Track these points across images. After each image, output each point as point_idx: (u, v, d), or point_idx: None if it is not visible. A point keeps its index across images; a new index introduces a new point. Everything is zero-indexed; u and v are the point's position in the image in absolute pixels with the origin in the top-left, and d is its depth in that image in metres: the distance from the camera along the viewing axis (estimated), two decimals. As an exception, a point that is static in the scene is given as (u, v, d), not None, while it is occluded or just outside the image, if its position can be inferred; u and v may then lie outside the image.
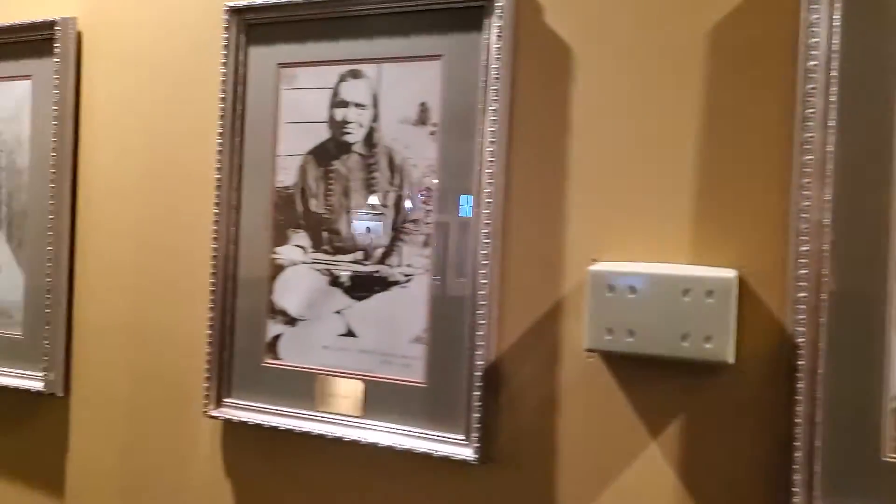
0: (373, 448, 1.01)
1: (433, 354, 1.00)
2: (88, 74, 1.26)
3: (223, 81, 1.10)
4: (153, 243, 1.20)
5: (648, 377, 0.89)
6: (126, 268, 1.23)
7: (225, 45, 1.10)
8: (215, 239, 1.11)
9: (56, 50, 1.24)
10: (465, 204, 0.98)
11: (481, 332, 0.95)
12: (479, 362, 0.95)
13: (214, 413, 1.11)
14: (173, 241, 1.19)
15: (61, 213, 1.24)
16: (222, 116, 1.10)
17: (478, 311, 0.95)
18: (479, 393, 0.94)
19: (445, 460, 0.97)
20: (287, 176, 1.09)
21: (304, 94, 1.08)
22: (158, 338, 1.20)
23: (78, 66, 1.25)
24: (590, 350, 0.88)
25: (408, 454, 0.99)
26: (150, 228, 1.21)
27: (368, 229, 1.04)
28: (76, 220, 1.26)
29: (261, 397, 1.10)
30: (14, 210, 1.31)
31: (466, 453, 0.95)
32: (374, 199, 1.04)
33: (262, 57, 1.11)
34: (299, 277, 1.08)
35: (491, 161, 0.95)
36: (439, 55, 1.00)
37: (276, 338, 1.10)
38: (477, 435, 0.94)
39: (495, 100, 0.94)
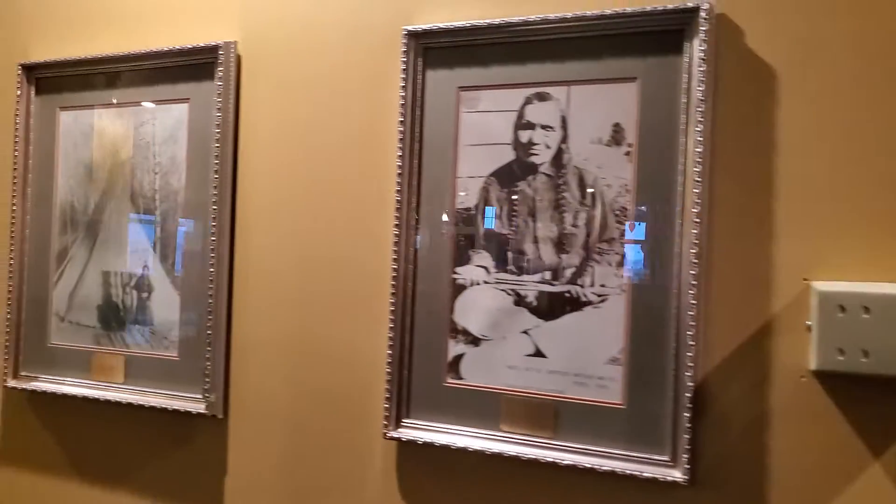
0: (569, 469, 1.01)
1: (632, 375, 1.00)
2: (247, 97, 1.27)
3: (402, 105, 1.12)
4: (320, 262, 1.21)
5: (875, 397, 0.89)
6: (288, 287, 1.23)
7: (403, 70, 1.12)
8: (395, 259, 1.11)
9: (218, 73, 1.25)
10: (665, 223, 0.99)
11: (690, 353, 0.95)
12: (688, 383, 0.95)
13: (394, 434, 1.11)
14: (344, 260, 1.19)
15: (222, 232, 1.25)
16: (401, 139, 1.12)
17: (686, 332, 0.95)
18: (688, 414, 0.94)
19: (651, 482, 0.96)
20: (468, 197, 1.10)
21: (486, 116, 1.09)
22: (325, 356, 1.20)
23: (237, 88, 1.27)
24: (818, 371, 0.88)
25: (610, 476, 0.99)
26: (318, 247, 1.22)
27: (557, 249, 1.05)
28: (234, 239, 1.27)
29: (442, 417, 1.10)
30: (168, 231, 1.32)
31: (675, 474, 0.95)
32: (563, 220, 1.05)
33: (442, 80, 1.12)
34: (482, 297, 1.09)
35: (697, 181, 0.95)
36: (633, 77, 1.01)
37: (458, 357, 1.10)
38: (686, 456, 0.94)
39: (700, 121, 0.95)
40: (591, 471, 0.99)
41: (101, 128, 1.39)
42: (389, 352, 1.12)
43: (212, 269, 1.25)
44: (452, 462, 1.10)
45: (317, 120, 1.22)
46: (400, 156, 1.12)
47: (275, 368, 1.24)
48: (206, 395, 1.25)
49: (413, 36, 1.12)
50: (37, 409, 1.44)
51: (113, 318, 1.36)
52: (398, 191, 1.12)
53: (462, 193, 1.11)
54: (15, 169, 1.43)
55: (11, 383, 1.43)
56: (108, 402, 1.34)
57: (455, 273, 1.11)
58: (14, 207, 1.43)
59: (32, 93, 1.44)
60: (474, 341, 1.09)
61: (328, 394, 1.20)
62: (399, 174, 1.12)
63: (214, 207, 1.25)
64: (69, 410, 1.41)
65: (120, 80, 1.37)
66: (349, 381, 1.18)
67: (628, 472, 0.97)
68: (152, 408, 1.29)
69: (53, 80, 1.43)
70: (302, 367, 1.22)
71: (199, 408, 1.26)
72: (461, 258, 1.11)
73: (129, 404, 1.31)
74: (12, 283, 1.42)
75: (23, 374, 1.43)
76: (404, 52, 1.12)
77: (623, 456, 0.99)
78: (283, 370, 1.24)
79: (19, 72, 1.43)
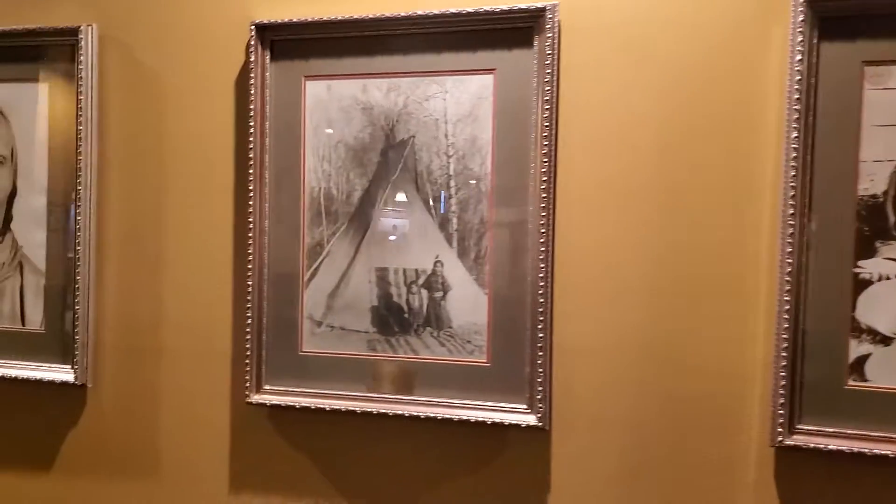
0: None
1: None
2: (568, 67, 1.12)
3: (794, 80, 1.00)
4: (670, 255, 1.09)
5: None
6: (628, 283, 1.11)
7: (801, 42, 1.00)
8: (789, 252, 1.01)
9: (546, 39, 1.09)
10: None
11: None
12: None
13: (789, 442, 1.02)
14: (705, 252, 1.08)
15: (546, 223, 1.10)
16: (794, 118, 1.00)
17: None
18: None
19: None
20: (875, 183, 1.01)
21: (896, 94, 1.00)
22: (678, 359, 1.09)
23: (558, 59, 1.11)
24: None
25: None
26: (668, 240, 1.09)
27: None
28: (555, 230, 1.12)
29: (842, 423, 1.02)
30: (468, 221, 1.15)
31: None
32: None
33: (841, 55, 1.01)
34: (893, 293, 1.01)
35: None
36: None
37: (863, 358, 1.02)
38: None
39: None
40: None
41: (369, 102, 1.19)
42: (783, 353, 1.02)
43: (542, 266, 1.10)
44: (853, 472, 1.03)
45: (665, 95, 1.09)
46: (795, 136, 1.00)
47: (609, 373, 1.12)
48: (539, 405, 1.11)
49: (809, 2, 1.00)
50: (286, 427, 1.26)
51: (395, 321, 1.19)
52: (792, 175, 1.01)
53: (867, 179, 1.01)
54: (251, 149, 1.22)
55: (255, 398, 1.23)
56: (390, 416, 1.17)
57: (858, 267, 1.02)
58: (251, 194, 1.21)
59: (268, 58, 1.22)
60: (884, 340, 1.01)
61: (681, 401, 1.09)
62: (793, 156, 1.01)
63: (545, 196, 1.10)
64: (334, 427, 1.23)
65: (391, 44, 1.18)
66: (713, 386, 1.07)
67: None
68: (455, 421, 1.14)
69: (296, 43, 1.22)
70: (648, 371, 1.10)
71: (523, 419, 1.12)
72: (866, 250, 1.01)
73: (421, 418, 1.16)
74: (251, 283, 1.22)
75: (267, 387, 1.24)
76: (801, 21, 1.00)
77: None
78: (621, 375, 1.12)
79: (252, 33, 1.21)
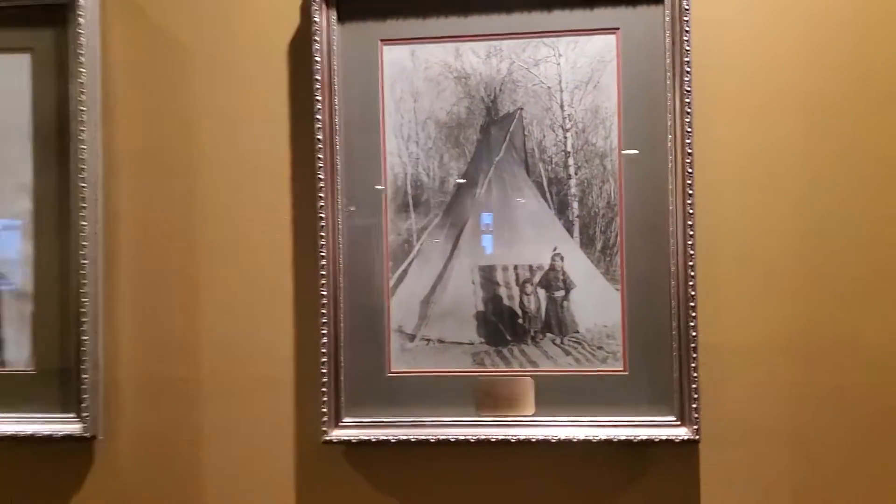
0: None
1: None
2: (699, 23, 0.98)
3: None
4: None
5: None
6: (782, 272, 0.98)
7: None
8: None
9: (681, -7, 0.95)
10: None
11: None
12: None
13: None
14: (859, 231, 0.96)
15: (692, 202, 0.96)
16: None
17: None
18: None
19: None
20: None
21: None
22: (847, 355, 0.97)
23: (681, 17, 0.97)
24: None
25: None
26: (805, 221, 0.97)
27: None
28: (695, 212, 0.98)
29: None
30: (592, 207, 0.98)
31: None
32: None
33: None
34: None
35: None
36: None
37: None
38: None
39: None
40: None
41: (464, 69, 1.00)
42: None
43: (691, 252, 0.95)
44: None
45: (814, 55, 0.97)
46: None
47: (763, 374, 0.98)
48: (693, 414, 0.95)
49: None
50: (372, 467, 1.03)
51: (507, 328, 1.00)
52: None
53: None
54: (318, 129, 0.99)
55: (335, 434, 1.00)
56: (512, 442, 0.98)
57: None
58: (321, 184, 0.99)
59: (335, 18, 1.01)
60: None
61: (852, 400, 0.97)
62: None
63: (689, 171, 0.95)
64: (433, 463, 1.02)
65: (489, 1, 1.00)
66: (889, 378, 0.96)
67: None
68: (594, 442, 0.96)
69: (368, 1, 1.01)
70: (809, 371, 0.98)
71: (675, 433, 0.96)
72: None
73: (552, 441, 0.97)
74: (325, 293, 0.99)
75: (348, 420, 1.01)
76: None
77: None
78: (776, 375, 0.98)
79: (316, -11, 0.99)
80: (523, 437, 0.97)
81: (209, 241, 1.05)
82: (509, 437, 0.98)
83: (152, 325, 1.06)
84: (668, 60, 0.96)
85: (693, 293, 0.95)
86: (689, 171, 0.95)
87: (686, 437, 0.95)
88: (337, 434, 1.00)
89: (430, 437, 0.99)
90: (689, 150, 0.95)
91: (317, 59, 0.99)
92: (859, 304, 0.97)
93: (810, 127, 0.97)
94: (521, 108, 0.99)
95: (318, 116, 0.99)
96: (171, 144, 1.05)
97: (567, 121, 0.99)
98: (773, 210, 0.98)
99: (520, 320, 1.00)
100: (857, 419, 0.97)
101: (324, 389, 1.00)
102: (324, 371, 0.99)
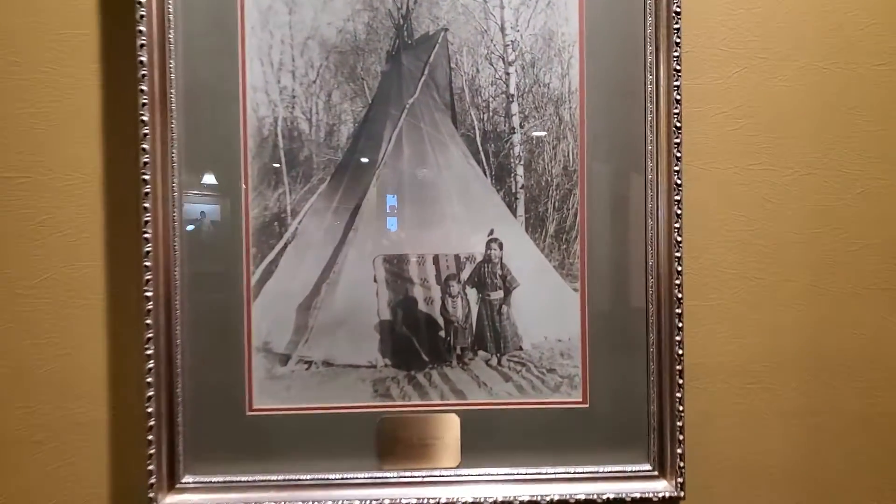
0: None
1: None
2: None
3: None
4: (818, 233, 0.73)
5: None
6: (790, 281, 0.73)
7: None
8: None
9: None
10: None
11: None
12: None
13: None
14: (868, 227, 0.73)
15: (668, 175, 0.69)
16: None
17: None
18: None
19: None
20: None
21: None
22: (854, 372, 0.74)
23: None
24: None
25: None
26: (809, 214, 0.73)
27: None
28: (682, 190, 0.71)
29: None
30: (543, 174, 0.70)
31: None
32: None
33: None
34: None
35: None
36: None
37: None
38: None
39: None
40: None
41: (362, -31, 0.69)
42: None
43: (678, 239, 0.68)
44: None
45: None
46: None
47: (754, 399, 0.74)
48: (678, 462, 0.69)
49: None
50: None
51: (423, 344, 0.70)
52: None
53: None
54: (140, 57, 0.65)
55: (167, 503, 0.67)
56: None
57: None
58: (145, 130, 0.66)
59: None
60: None
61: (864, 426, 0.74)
62: None
63: (677, 125, 0.68)
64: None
65: None
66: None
67: None
68: (539, 503, 0.69)
69: None
70: (819, 396, 0.74)
71: (651, 488, 0.70)
72: None
73: (478, 504, 0.69)
74: (150, 293, 0.66)
75: (188, 481, 0.69)
76: None
77: None
78: (783, 405, 0.74)
79: None
80: (445, 501, 0.68)
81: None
82: (424, 501, 0.68)
83: None
84: (651, -30, 0.69)
85: (679, 295, 0.68)
86: (677, 125, 0.68)
87: (667, 495, 0.69)
88: (171, 501, 0.68)
89: (327, 501, 0.68)
90: (677, 97, 0.68)
91: (137, -60, 0.65)
92: (864, 316, 0.73)
93: (813, 100, 0.72)
94: (446, 30, 0.69)
95: (142, 40, 0.65)
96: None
97: (510, 50, 0.69)
98: (767, 198, 0.73)
99: (441, 333, 0.70)
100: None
101: (150, 437, 0.67)
102: (149, 410, 0.66)
